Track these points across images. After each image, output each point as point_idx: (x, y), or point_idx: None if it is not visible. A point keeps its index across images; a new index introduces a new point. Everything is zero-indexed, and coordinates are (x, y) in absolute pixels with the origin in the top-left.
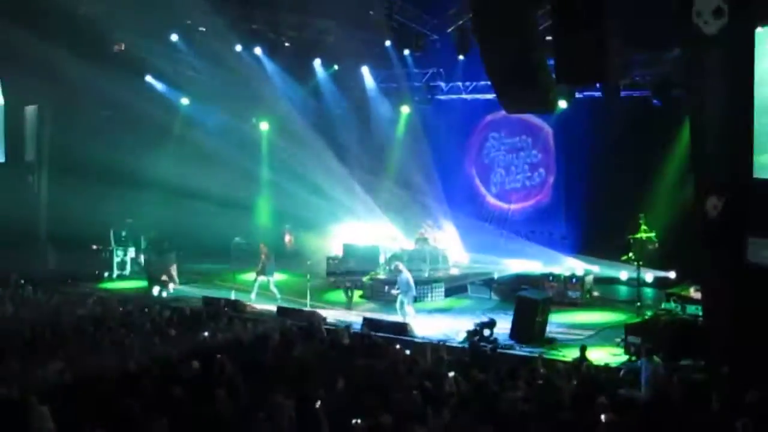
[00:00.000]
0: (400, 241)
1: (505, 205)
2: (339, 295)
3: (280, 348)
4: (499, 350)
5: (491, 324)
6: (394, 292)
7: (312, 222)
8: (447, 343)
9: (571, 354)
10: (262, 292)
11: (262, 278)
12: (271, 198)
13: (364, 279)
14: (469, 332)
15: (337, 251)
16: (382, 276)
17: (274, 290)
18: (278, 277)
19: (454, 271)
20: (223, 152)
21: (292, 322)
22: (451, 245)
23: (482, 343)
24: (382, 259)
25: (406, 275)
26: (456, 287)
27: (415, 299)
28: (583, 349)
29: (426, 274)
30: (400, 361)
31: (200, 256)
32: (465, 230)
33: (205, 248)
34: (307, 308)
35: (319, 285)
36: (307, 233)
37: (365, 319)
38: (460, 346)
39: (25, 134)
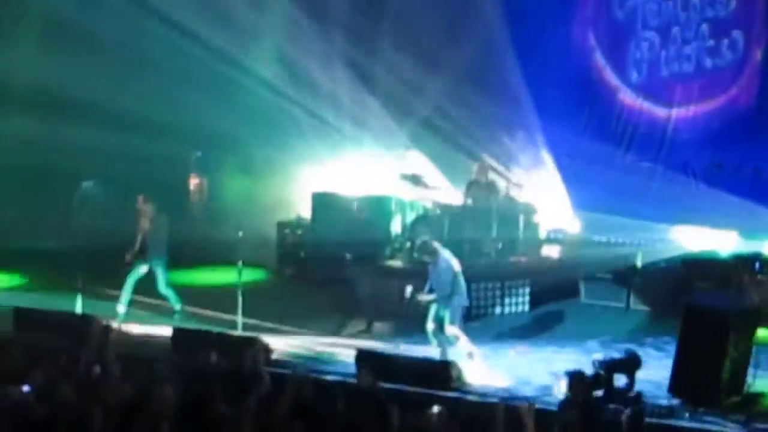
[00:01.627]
0: (435, 188)
1: (659, 110)
2: (303, 302)
3: (179, 418)
4: (647, 421)
5: (630, 363)
6: (422, 297)
7: (250, 151)
8: (536, 404)
9: None
10: (140, 298)
11: (141, 269)
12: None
13: (356, 270)
14: (580, 379)
15: (300, 210)
16: (396, 262)
17: (167, 293)
18: (173, 264)
19: (551, 253)
20: None
21: (202, 363)
22: (544, 198)
23: (611, 404)
24: (397, 227)
25: (448, 262)
26: (554, 287)
27: (468, 312)
28: None
29: (491, 257)
30: None
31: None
32: (573, 167)
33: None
34: (238, 332)
35: (262, 282)
36: (240, 174)
37: (361, 354)
38: (561, 409)
39: None
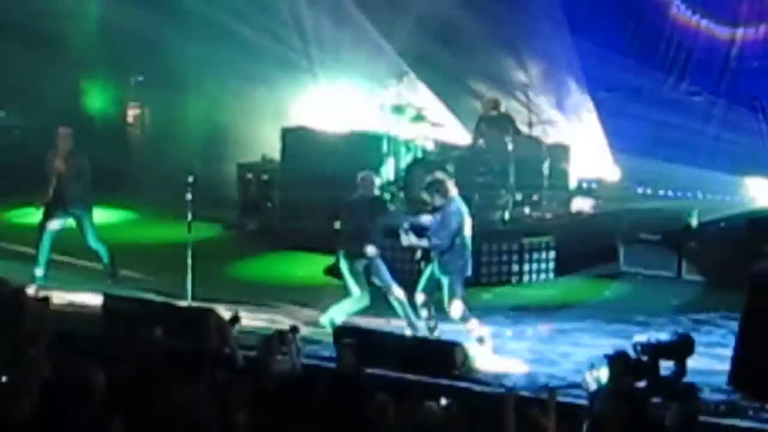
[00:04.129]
0: (437, 124)
1: (720, 30)
2: (268, 267)
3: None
4: (701, 418)
5: (680, 347)
6: (414, 240)
7: (202, 76)
8: (559, 395)
9: None
10: (63, 257)
11: (55, 223)
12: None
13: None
14: (624, 364)
15: (266, 150)
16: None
17: (98, 249)
18: (104, 216)
19: (584, 207)
20: None
21: (145, 335)
22: (576, 138)
23: (655, 398)
24: (389, 173)
25: (460, 210)
26: (586, 249)
27: (477, 280)
28: None
29: (507, 214)
30: None
31: None
32: (612, 100)
33: None
34: (187, 302)
35: (218, 239)
36: (189, 103)
37: (341, 332)
38: (592, 402)
39: None
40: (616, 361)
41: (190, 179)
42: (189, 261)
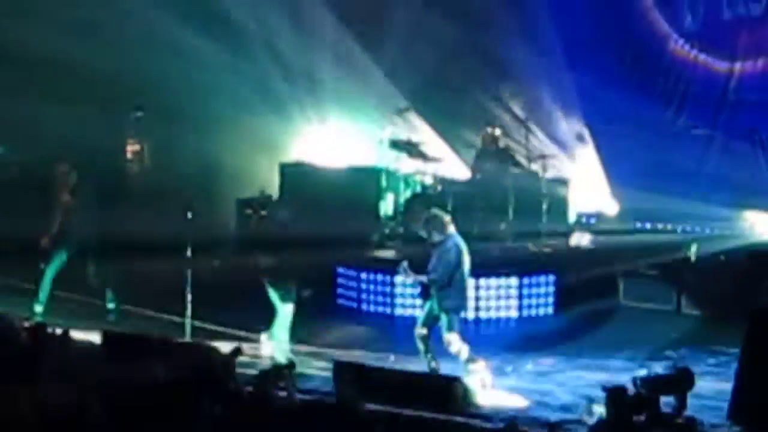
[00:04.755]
0: (436, 159)
1: (719, 64)
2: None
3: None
4: None
5: (680, 381)
6: (413, 276)
7: (202, 111)
8: (559, 430)
9: None
10: (63, 294)
11: (61, 256)
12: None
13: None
14: (621, 398)
15: (265, 185)
16: (387, 252)
17: (97, 286)
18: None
19: (582, 241)
20: None
21: (142, 375)
22: (575, 172)
23: None
24: (388, 208)
25: (458, 245)
26: (586, 284)
27: (476, 316)
28: None
29: (506, 245)
30: None
31: None
32: (611, 133)
33: None
34: (185, 339)
35: (217, 275)
36: (189, 139)
37: (340, 367)
38: None
39: None
40: (615, 395)
41: (189, 215)
42: (188, 296)
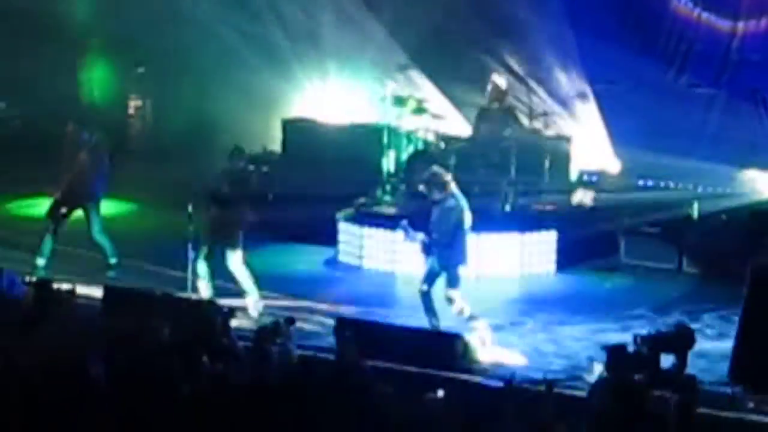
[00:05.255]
0: (439, 116)
1: (722, 23)
2: (267, 258)
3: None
4: (700, 411)
5: (681, 340)
6: (413, 235)
7: (203, 67)
8: (558, 388)
9: None
10: (66, 248)
11: (66, 213)
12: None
13: (341, 214)
14: (622, 356)
15: (267, 141)
16: (389, 208)
17: (102, 242)
18: (105, 207)
19: (585, 199)
20: None
21: (146, 327)
22: (577, 130)
23: (655, 391)
24: (390, 164)
25: (459, 203)
26: (587, 242)
27: (474, 272)
28: None
29: (508, 202)
30: None
31: None
32: (613, 92)
33: None
34: (187, 294)
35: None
36: (191, 95)
37: (342, 324)
38: (592, 395)
39: None
40: (616, 353)
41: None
42: (189, 252)
